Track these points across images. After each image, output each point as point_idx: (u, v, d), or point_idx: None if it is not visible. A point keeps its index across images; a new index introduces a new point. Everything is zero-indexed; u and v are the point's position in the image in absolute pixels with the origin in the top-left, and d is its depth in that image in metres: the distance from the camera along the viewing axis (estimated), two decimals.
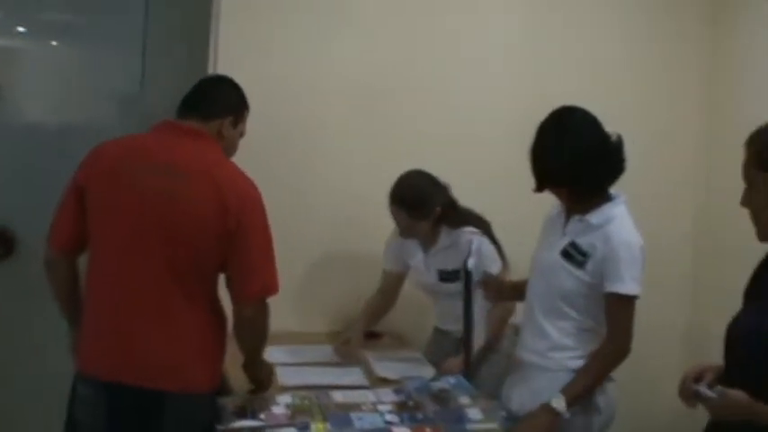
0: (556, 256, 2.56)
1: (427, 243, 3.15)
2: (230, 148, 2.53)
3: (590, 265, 2.49)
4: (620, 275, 2.44)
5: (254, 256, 2.38)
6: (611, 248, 2.45)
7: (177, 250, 2.30)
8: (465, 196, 3.20)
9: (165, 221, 2.30)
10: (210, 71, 3.29)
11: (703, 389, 1.98)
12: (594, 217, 2.51)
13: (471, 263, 2.73)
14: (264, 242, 2.40)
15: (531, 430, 2.47)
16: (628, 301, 2.47)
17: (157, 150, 2.38)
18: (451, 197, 3.13)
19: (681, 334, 4.11)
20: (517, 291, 2.79)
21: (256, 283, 2.39)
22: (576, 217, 2.55)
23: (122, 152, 2.41)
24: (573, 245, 2.53)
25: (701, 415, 2.19)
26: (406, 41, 3.56)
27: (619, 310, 2.48)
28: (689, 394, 2.03)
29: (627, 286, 2.44)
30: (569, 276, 2.52)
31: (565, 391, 2.47)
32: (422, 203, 3.02)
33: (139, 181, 2.32)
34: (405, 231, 3.07)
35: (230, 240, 2.32)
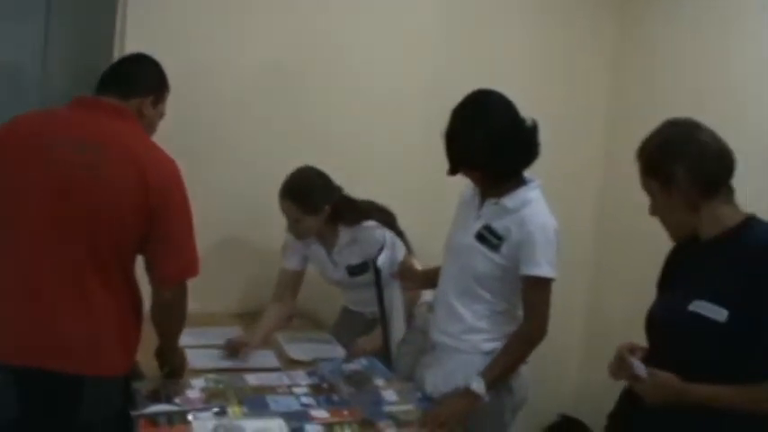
0: (470, 239, 2.58)
1: (327, 242, 3.16)
2: (149, 128, 2.47)
3: (505, 249, 2.52)
4: (535, 259, 2.47)
5: (175, 235, 2.34)
6: (527, 232, 2.49)
7: (98, 229, 2.23)
8: (373, 181, 3.23)
9: (86, 199, 2.22)
10: (117, 49, 3.20)
11: (638, 363, 2.02)
12: (509, 200, 2.54)
13: (382, 259, 2.75)
14: (185, 222, 2.36)
15: (451, 413, 2.50)
16: (544, 284, 2.51)
17: (76, 126, 2.29)
18: (344, 196, 3.13)
19: (583, 317, 4.27)
20: (430, 278, 2.82)
21: (177, 264, 2.36)
22: (491, 200, 2.57)
23: (37, 128, 2.31)
24: (488, 228, 2.55)
25: (604, 393, 2.27)
26: (320, 21, 3.54)
27: (535, 293, 2.52)
28: (624, 367, 2.06)
29: (543, 269, 2.48)
30: (484, 259, 2.55)
31: (484, 373, 2.51)
32: (310, 198, 3.01)
33: (57, 157, 2.22)
34: (294, 226, 3.06)
35: (151, 219, 2.27)
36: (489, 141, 2.48)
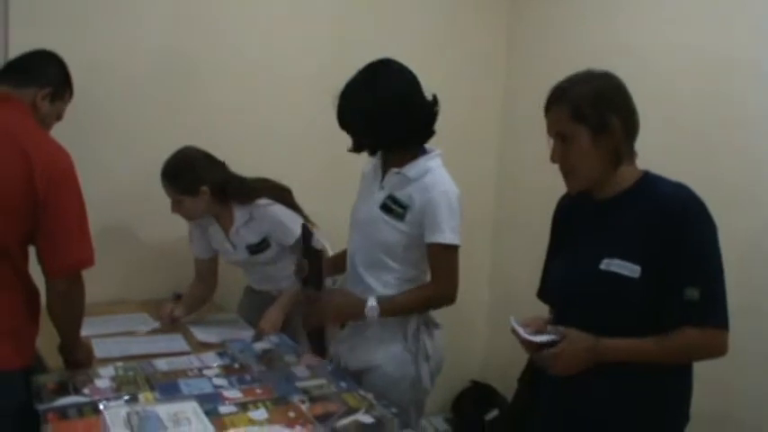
0: (375, 210, 2.60)
1: (224, 223, 3.15)
2: (44, 123, 2.39)
3: (409, 217, 2.54)
4: (439, 226, 2.51)
5: (66, 226, 2.29)
6: (430, 200, 2.51)
7: None
8: (274, 160, 3.23)
9: None
10: (1, 37, 3.10)
11: (538, 335, 2.00)
12: (411, 170, 2.56)
13: (316, 240, 2.76)
14: (76, 211, 2.31)
15: (335, 305, 2.56)
16: (449, 251, 2.55)
17: None
18: (233, 175, 3.11)
19: (487, 276, 4.38)
20: (338, 265, 2.82)
21: (69, 255, 2.31)
22: (393, 170, 2.59)
23: None
24: (391, 198, 2.58)
25: (513, 358, 2.33)
26: (216, 10, 3.51)
27: (441, 260, 2.56)
28: (525, 343, 2.03)
29: (447, 236, 2.51)
30: (390, 229, 2.57)
31: (381, 300, 2.55)
32: (184, 178, 2.99)
33: None
34: (176, 208, 3.05)
35: (39, 209, 2.22)
36: (376, 108, 2.48)
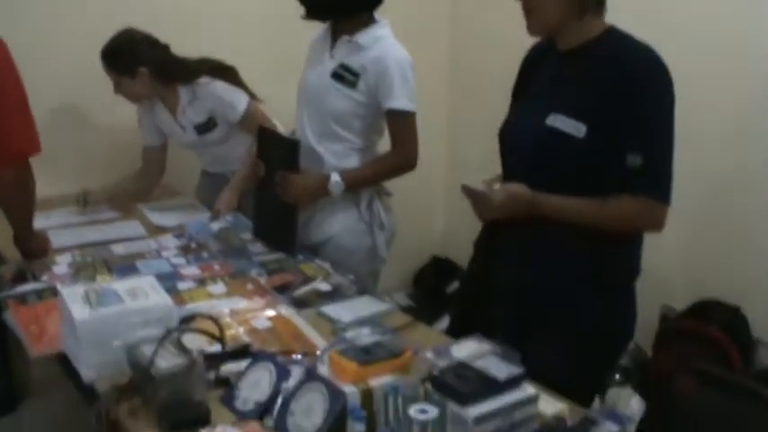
0: (326, 78, 2.58)
1: (170, 105, 3.09)
2: None
3: (362, 85, 2.53)
4: (394, 93, 2.50)
5: (7, 112, 2.26)
6: (383, 67, 2.50)
7: None
8: (219, 47, 3.17)
9: None
10: None
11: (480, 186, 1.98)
12: (362, 37, 2.54)
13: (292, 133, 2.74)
14: (15, 98, 2.28)
15: (302, 186, 2.55)
16: (407, 117, 2.54)
17: None
18: (173, 55, 3.05)
19: (444, 150, 4.36)
20: None
21: (15, 142, 2.29)
22: (344, 38, 2.56)
23: None
24: (343, 66, 2.55)
25: (471, 232, 2.35)
26: None
27: (399, 126, 2.56)
28: (470, 195, 1.98)
29: (402, 102, 2.51)
30: (342, 98, 2.55)
31: (344, 174, 2.55)
32: (121, 59, 2.95)
33: None
34: (116, 89, 3.01)
35: None
36: None
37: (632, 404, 2.40)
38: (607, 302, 2.00)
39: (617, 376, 2.50)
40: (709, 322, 3.02)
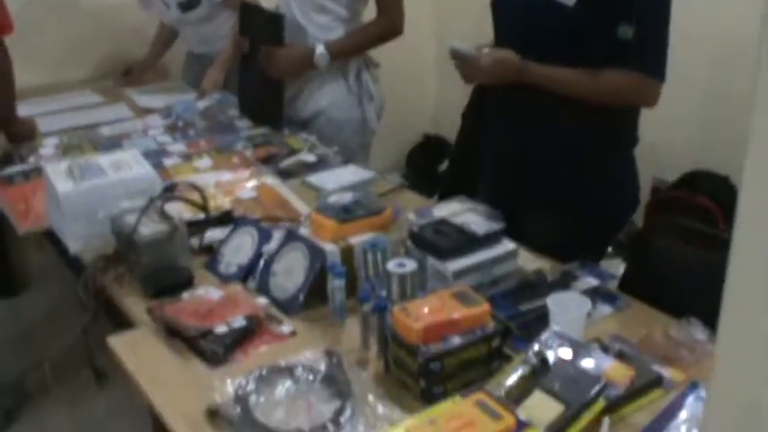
0: None
1: None
2: None
3: None
4: None
5: None
6: None
7: None
8: None
9: None
10: None
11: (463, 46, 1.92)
12: None
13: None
14: None
15: (289, 57, 2.53)
16: None
17: None
18: None
19: (434, 26, 4.24)
20: None
21: None
22: None
23: None
24: None
25: (461, 101, 2.32)
26: None
27: None
28: (457, 57, 1.93)
29: None
30: None
31: (329, 44, 2.51)
32: None
33: None
34: None
35: None
36: None
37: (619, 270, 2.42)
38: (605, 171, 1.96)
39: (609, 249, 2.51)
40: (698, 191, 3.03)
